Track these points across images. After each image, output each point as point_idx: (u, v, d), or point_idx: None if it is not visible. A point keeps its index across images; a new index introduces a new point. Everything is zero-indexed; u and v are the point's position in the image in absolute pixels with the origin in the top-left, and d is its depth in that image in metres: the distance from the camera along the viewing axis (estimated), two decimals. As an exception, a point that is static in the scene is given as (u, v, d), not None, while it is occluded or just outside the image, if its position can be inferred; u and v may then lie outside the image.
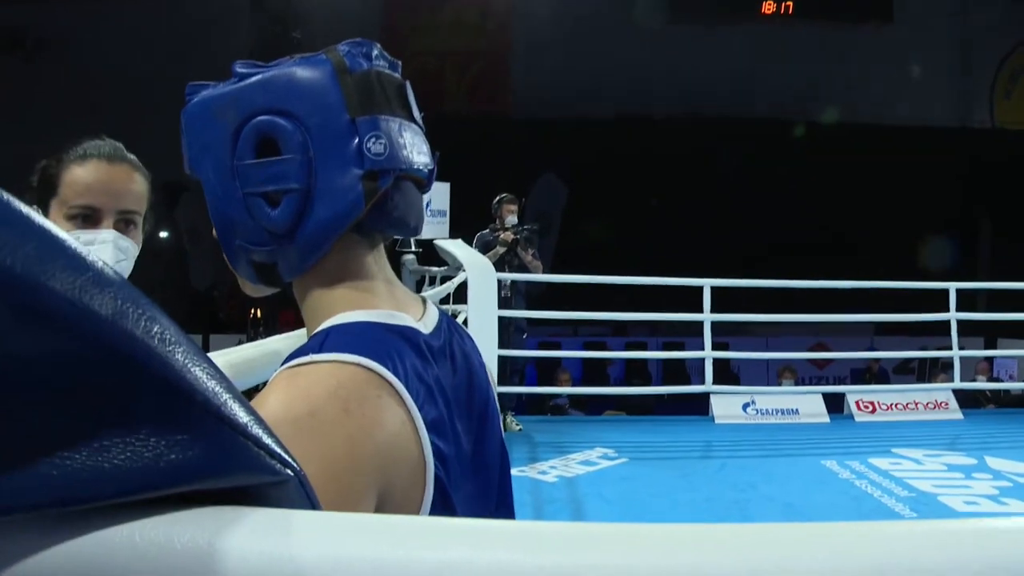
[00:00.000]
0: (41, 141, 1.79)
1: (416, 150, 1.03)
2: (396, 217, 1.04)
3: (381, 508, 0.87)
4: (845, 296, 7.97)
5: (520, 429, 7.19)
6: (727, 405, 7.84)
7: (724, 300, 7.78)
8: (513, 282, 7.20)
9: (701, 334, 7.68)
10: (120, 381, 0.50)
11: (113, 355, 0.49)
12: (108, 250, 1.64)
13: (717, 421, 7.70)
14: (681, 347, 10.92)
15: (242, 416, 0.54)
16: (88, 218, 1.63)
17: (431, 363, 1.00)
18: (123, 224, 1.67)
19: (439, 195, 7.25)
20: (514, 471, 5.73)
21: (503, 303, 7.01)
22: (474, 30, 15.01)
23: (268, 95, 0.98)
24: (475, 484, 1.05)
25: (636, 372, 13.10)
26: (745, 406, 7.82)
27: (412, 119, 1.04)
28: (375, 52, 1.03)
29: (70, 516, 0.50)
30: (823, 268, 8.75)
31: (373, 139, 0.98)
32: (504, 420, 7.19)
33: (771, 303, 8.07)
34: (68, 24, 14.00)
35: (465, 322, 6.20)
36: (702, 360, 7.71)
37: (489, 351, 6.36)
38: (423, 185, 1.08)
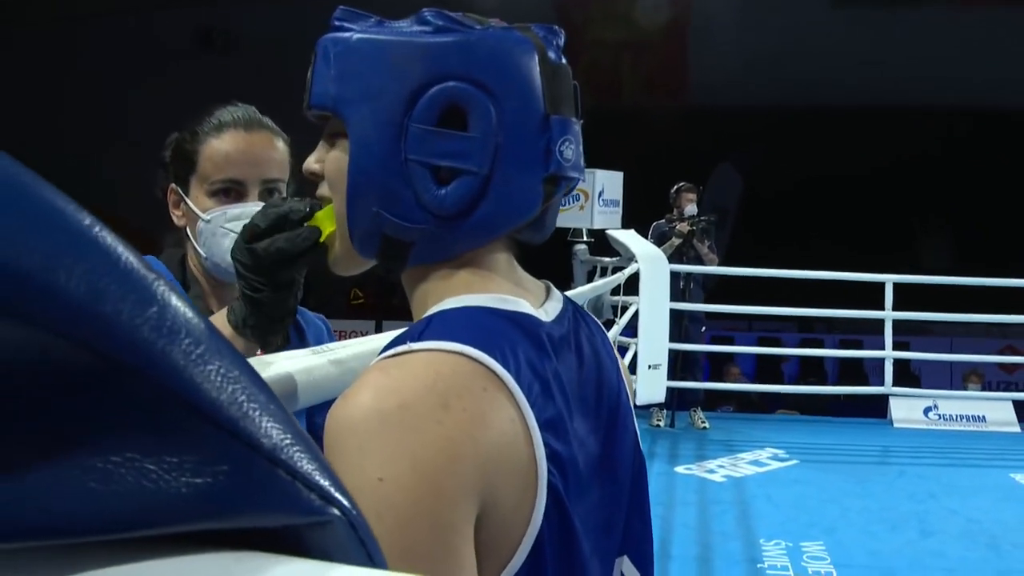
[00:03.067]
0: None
1: (582, 159, 0.95)
2: (546, 223, 0.98)
3: (486, 516, 0.79)
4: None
5: (707, 427, 7.07)
6: (907, 408, 7.51)
7: (906, 297, 7.45)
8: (690, 274, 7.08)
9: (881, 332, 7.38)
10: (104, 382, 0.37)
11: (90, 348, 0.36)
12: None
13: (896, 425, 7.39)
14: (859, 345, 10.55)
15: (270, 433, 0.40)
16: (233, 192, 1.57)
17: (550, 355, 0.90)
18: (267, 194, 1.59)
19: (612, 184, 7.15)
20: (680, 469, 5.71)
21: (680, 295, 6.91)
22: (649, 19, 14.83)
23: (468, 61, 0.88)
24: (602, 491, 0.95)
25: (811, 370, 12.71)
26: (927, 410, 7.47)
27: (577, 118, 0.96)
28: (562, 44, 0.95)
29: (42, 553, 0.37)
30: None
31: (566, 143, 0.90)
32: (692, 417, 7.10)
33: (955, 302, 7.67)
34: (261, 22, 14.52)
35: (636, 314, 6.14)
36: (881, 360, 7.40)
37: (660, 344, 6.28)
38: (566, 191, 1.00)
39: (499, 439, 0.80)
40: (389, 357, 0.82)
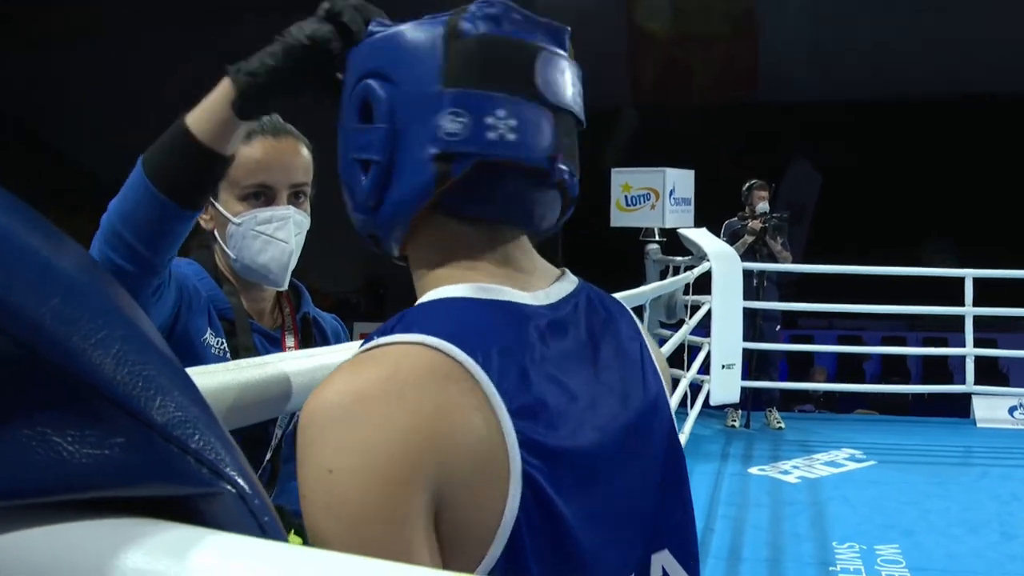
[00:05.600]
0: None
1: (531, 134, 0.89)
2: (477, 205, 0.92)
3: (449, 508, 0.78)
4: None
5: (782, 427, 6.96)
6: (991, 408, 7.30)
7: (993, 292, 7.25)
8: (763, 271, 6.98)
9: (963, 329, 7.18)
10: (18, 364, 0.42)
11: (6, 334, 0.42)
12: (289, 227, 1.66)
13: (979, 425, 7.19)
14: (943, 343, 10.29)
15: (166, 412, 0.45)
16: (263, 196, 1.65)
17: (536, 341, 0.88)
18: (294, 197, 1.68)
19: (683, 183, 7.10)
20: (754, 470, 5.63)
21: (754, 293, 6.82)
22: (720, 15, 14.67)
23: (377, 56, 0.92)
24: (623, 481, 0.92)
25: (894, 369, 12.46)
26: (1012, 409, 7.25)
27: (541, 97, 0.90)
28: (508, 14, 0.90)
29: None
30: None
31: (451, 116, 0.87)
32: (768, 417, 7.00)
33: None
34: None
35: (709, 312, 6.08)
36: (964, 357, 7.20)
37: (734, 343, 6.22)
38: (545, 175, 0.92)
39: (461, 429, 0.79)
40: (362, 352, 0.84)
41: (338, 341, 1.86)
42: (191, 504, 0.46)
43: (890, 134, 14.19)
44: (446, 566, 0.79)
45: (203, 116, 1.19)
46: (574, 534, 0.84)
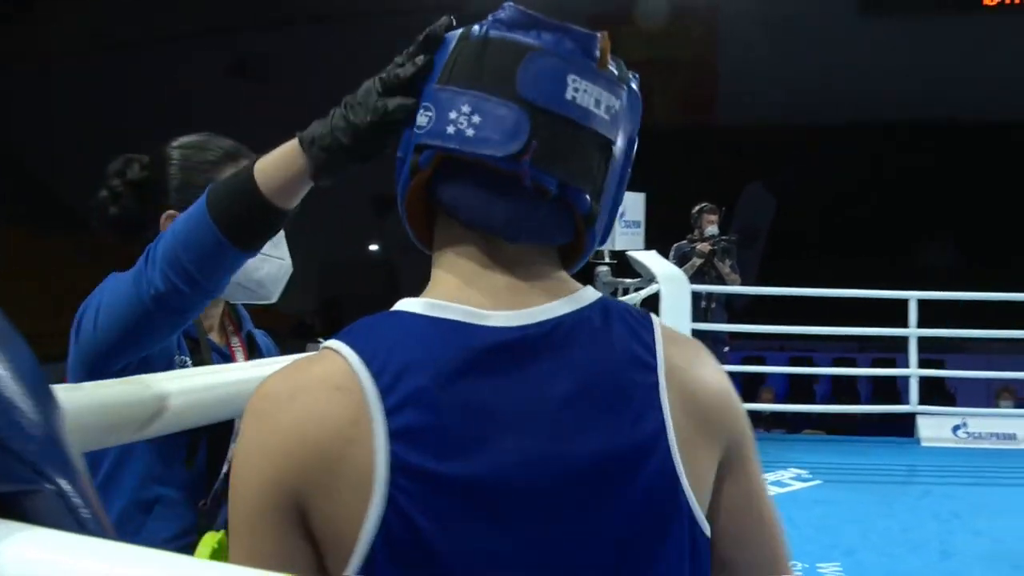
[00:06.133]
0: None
1: (493, 131, 0.87)
2: (448, 203, 0.93)
3: (312, 511, 0.81)
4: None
5: None
6: (936, 427, 7.39)
7: (940, 314, 7.37)
8: (711, 294, 7.06)
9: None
10: None
11: None
12: (283, 244, 1.74)
13: (923, 444, 7.28)
14: (892, 364, 10.45)
15: None
16: None
17: (467, 362, 0.85)
18: None
19: (633, 206, 7.17)
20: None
21: (703, 315, 6.89)
22: (678, 39, 14.82)
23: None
24: (552, 528, 0.84)
25: (843, 390, 12.60)
26: (956, 428, 7.35)
27: (518, 96, 0.88)
28: (519, 18, 0.90)
29: None
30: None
31: (422, 111, 0.92)
32: None
33: (993, 317, 7.58)
34: (297, 49, 14.69)
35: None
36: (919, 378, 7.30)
37: (681, 365, 6.24)
38: (512, 176, 0.89)
39: (334, 438, 0.81)
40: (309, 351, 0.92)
41: (270, 355, 1.90)
42: (15, 500, 0.51)
43: (844, 156, 14.38)
44: (320, 564, 0.83)
45: (271, 172, 1.21)
46: (448, 567, 0.81)
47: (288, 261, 1.74)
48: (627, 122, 0.97)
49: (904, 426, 7.66)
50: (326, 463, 0.81)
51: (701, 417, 0.93)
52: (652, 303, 6.20)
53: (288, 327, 13.21)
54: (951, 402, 10.69)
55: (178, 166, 1.67)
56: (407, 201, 0.96)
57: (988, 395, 10.83)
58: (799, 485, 5.93)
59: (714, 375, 0.98)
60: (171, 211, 1.62)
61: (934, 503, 5.57)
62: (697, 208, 7.33)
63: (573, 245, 0.98)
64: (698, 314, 6.76)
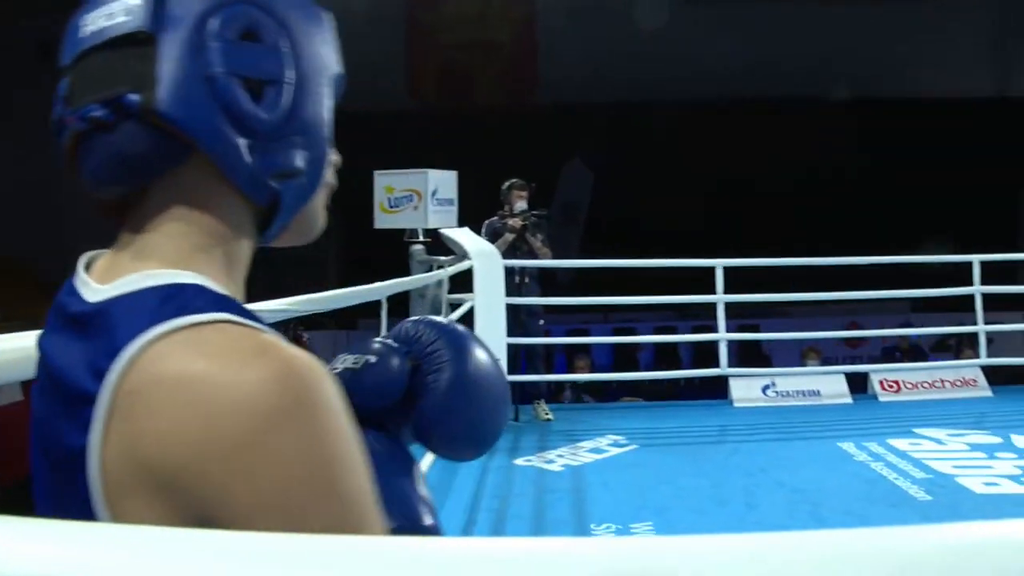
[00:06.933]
0: None
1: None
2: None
3: None
4: (880, 274, 7.73)
5: (550, 419, 7.08)
6: (747, 388, 7.69)
7: (754, 280, 7.65)
8: (524, 268, 7.10)
9: (732, 316, 7.55)
10: None
11: None
12: None
13: (736, 404, 7.55)
14: (709, 330, 10.76)
15: None
16: None
17: (49, 327, 0.83)
18: None
19: (445, 184, 7.14)
20: (520, 461, 5.72)
21: (516, 290, 6.93)
22: (497, 20, 14.89)
23: None
24: (47, 480, 0.79)
25: (665, 357, 12.94)
26: (765, 388, 7.67)
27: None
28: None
29: None
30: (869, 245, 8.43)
31: None
32: (536, 409, 7.12)
33: (805, 282, 7.92)
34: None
35: (471, 310, 6.14)
36: (734, 342, 7.57)
37: (498, 339, 6.28)
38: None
39: None
40: None
41: None
42: None
43: (660, 135, 14.70)
44: None
45: None
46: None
47: None
48: None
49: (721, 389, 7.93)
50: None
51: None
52: (466, 279, 6.20)
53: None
54: (767, 364, 11.10)
55: None
56: None
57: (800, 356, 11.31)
58: (615, 451, 6.05)
59: None
60: None
61: (742, 460, 5.78)
62: (507, 184, 7.35)
63: None
64: (512, 289, 6.80)
